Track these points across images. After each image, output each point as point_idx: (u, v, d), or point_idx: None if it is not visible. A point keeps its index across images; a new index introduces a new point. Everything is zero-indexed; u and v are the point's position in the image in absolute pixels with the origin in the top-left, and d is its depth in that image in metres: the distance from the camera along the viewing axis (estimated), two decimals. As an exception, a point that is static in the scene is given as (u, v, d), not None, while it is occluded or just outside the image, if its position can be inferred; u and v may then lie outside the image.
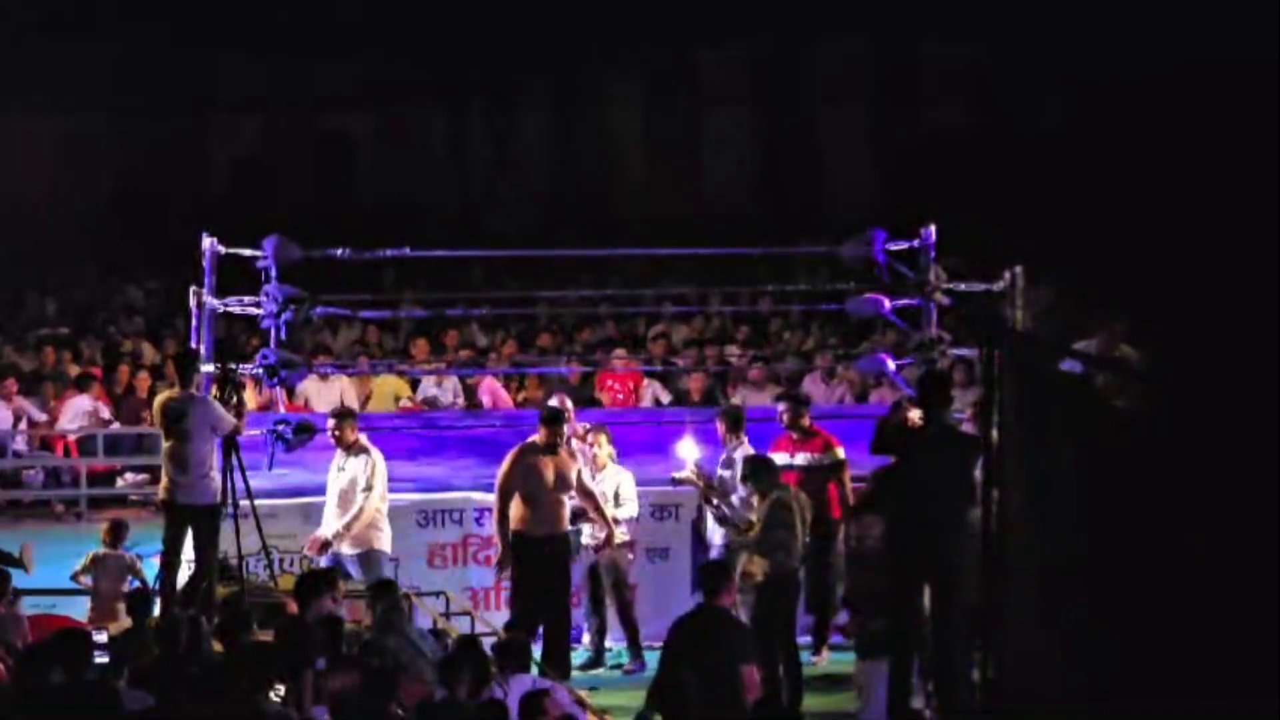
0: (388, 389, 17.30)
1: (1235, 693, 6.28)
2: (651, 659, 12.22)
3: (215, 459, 11.54)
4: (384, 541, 12.23)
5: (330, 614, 10.17)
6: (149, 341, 21.05)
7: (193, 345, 12.87)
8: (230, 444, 11.61)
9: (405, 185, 29.96)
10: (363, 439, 12.37)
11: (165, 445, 11.59)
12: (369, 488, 12.13)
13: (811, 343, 20.17)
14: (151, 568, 12.13)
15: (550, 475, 11.92)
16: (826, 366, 17.82)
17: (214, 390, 12.04)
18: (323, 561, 12.08)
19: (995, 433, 7.98)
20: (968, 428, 11.46)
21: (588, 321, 20.29)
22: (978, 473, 9.18)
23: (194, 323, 13.03)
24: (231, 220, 15.54)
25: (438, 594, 12.28)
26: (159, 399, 11.92)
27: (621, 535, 12.38)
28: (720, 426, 12.65)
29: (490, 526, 12.65)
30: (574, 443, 12.50)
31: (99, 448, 17.87)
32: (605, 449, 12.61)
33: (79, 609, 12.23)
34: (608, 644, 12.68)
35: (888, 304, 13.65)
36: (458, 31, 28.52)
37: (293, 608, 10.41)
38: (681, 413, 15.99)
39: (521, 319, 20.46)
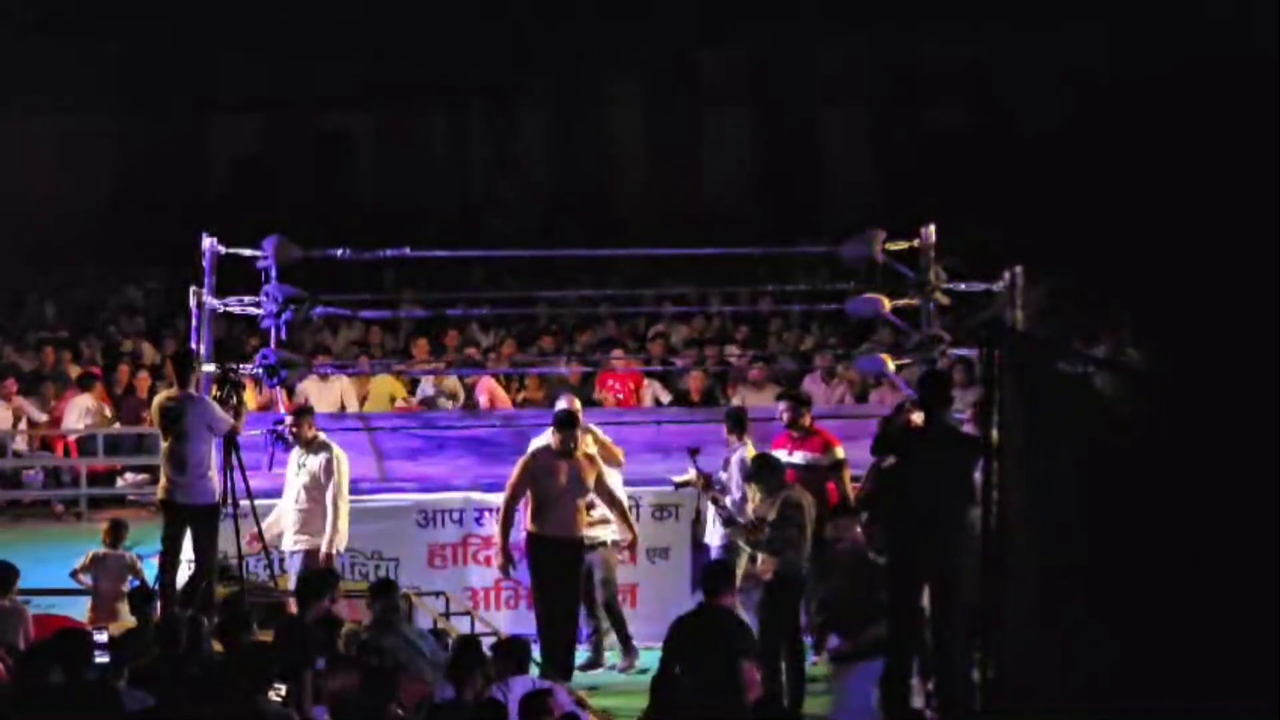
0: (384, 389, 17.29)
1: (1235, 693, 6.28)
2: (651, 658, 12.25)
3: (214, 459, 11.53)
4: (339, 541, 12.18)
5: (330, 614, 10.19)
6: (149, 341, 21.04)
7: (192, 345, 12.86)
8: (230, 444, 11.61)
9: (405, 185, 29.96)
10: (322, 435, 12.33)
11: (163, 445, 11.59)
12: (339, 485, 12.11)
13: (811, 343, 20.16)
14: (151, 568, 12.13)
15: (563, 478, 11.92)
16: (826, 366, 17.82)
17: (214, 390, 12.04)
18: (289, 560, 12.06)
19: (995, 433, 7.99)
20: (968, 428, 11.45)
21: (588, 321, 20.28)
22: (978, 473, 9.19)
23: (194, 323, 13.02)
24: (231, 220, 15.54)
25: (438, 594, 12.28)
26: (157, 399, 11.92)
27: (611, 534, 12.37)
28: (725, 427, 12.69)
29: (490, 526, 12.68)
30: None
31: (99, 448, 17.87)
32: (592, 449, 12.55)
33: (79, 609, 12.23)
34: (608, 643, 12.68)
35: (887, 304, 13.65)
36: (458, 31, 28.52)
37: (293, 608, 10.42)
38: (681, 413, 16.03)
39: (521, 319, 20.46)
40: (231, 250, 13.18)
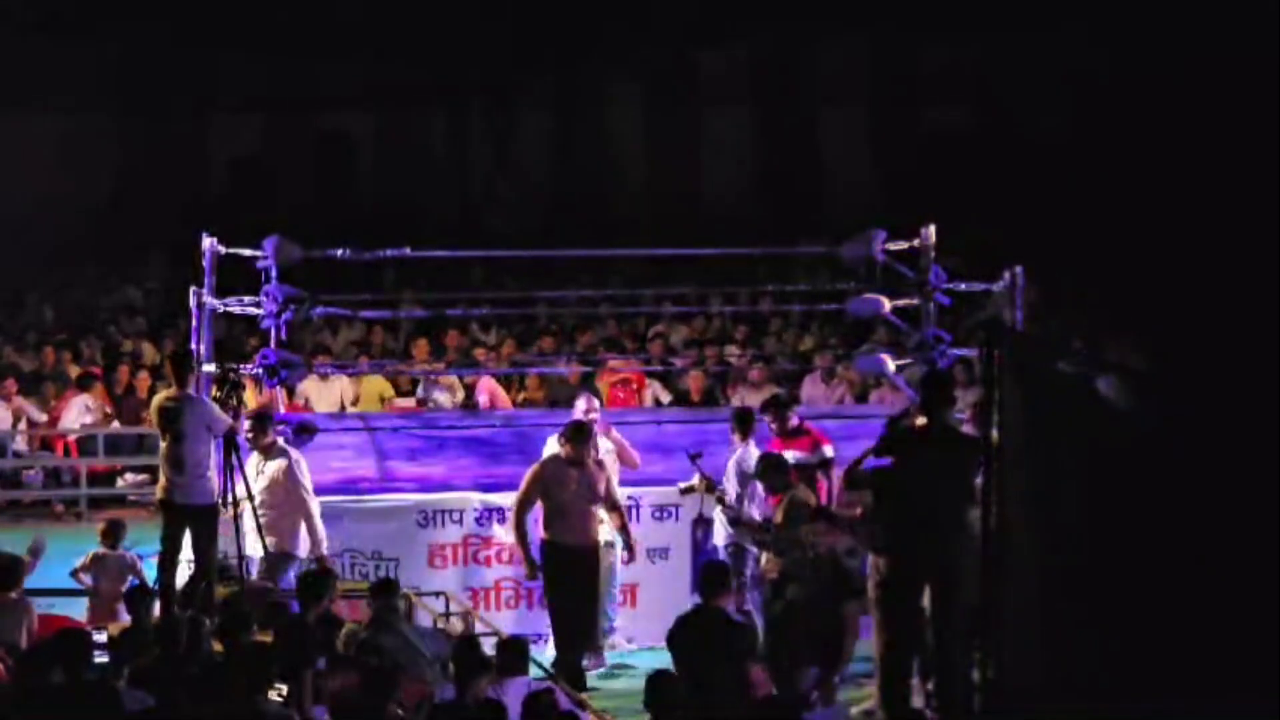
0: (374, 389, 17.30)
1: (1236, 692, 6.29)
2: (644, 658, 12.26)
3: (212, 459, 11.52)
4: (299, 546, 12.13)
5: (330, 614, 10.19)
6: (149, 341, 21.05)
7: (192, 345, 12.85)
8: (230, 444, 11.61)
9: (405, 185, 29.98)
10: (280, 441, 12.29)
11: (162, 446, 11.59)
12: (306, 489, 12.08)
13: (811, 343, 20.16)
14: (152, 568, 12.13)
15: (574, 486, 11.92)
16: (826, 366, 17.82)
17: (214, 390, 12.03)
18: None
19: (995, 433, 7.98)
20: (967, 428, 11.45)
21: (588, 321, 20.28)
22: (979, 473, 9.18)
23: (194, 323, 13.02)
24: (231, 220, 15.54)
25: (438, 594, 12.28)
26: (156, 400, 11.91)
27: (604, 535, 12.37)
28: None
29: (490, 527, 12.71)
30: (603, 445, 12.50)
31: (99, 448, 17.87)
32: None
33: (79, 609, 12.23)
34: (611, 642, 12.69)
35: (887, 304, 13.65)
36: (458, 31, 28.53)
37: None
38: (681, 413, 16.03)
39: (521, 319, 20.46)
40: (231, 250, 13.17)
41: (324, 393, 17.10)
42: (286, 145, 30.37)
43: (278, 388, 13.65)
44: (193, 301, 12.99)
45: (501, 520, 12.84)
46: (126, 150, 29.77)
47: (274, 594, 11.48)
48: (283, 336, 13.09)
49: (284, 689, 8.95)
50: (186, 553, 11.63)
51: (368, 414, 15.76)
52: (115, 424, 18.10)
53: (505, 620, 12.49)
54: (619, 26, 28.82)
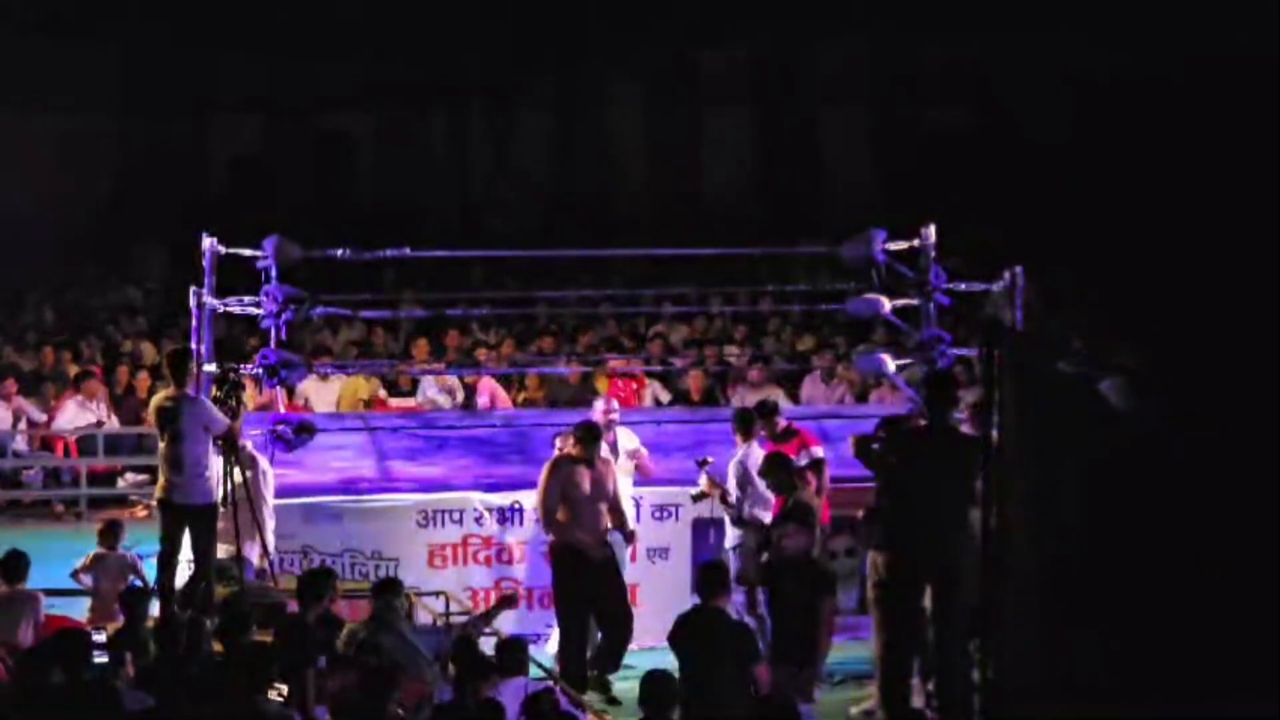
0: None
1: (1236, 693, 6.28)
2: (644, 658, 12.23)
3: (211, 459, 11.52)
4: (254, 551, 12.07)
5: (330, 613, 10.18)
6: (149, 341, 21.05)
7: (191, 345, 12.84)
8: (230, 444, 11.60)
9: (405, 185, 29.98)
10: (249, 446, 12.27)
11: (160, 446, 11.59)
12: (266, 500, 12.07)
13: (811, 343, 20.16)
14: (152, 568, 12.13)
15: (587, 485, 11.91)
16: (826, 366, 17.82)
17: (213, 390, 12.03)
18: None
19: (995, 433, 7.97)
20: (965, 428, 11.45)
21: (588, 321, 20.28)
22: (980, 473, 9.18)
23: (194, 323, 13.01)
24: (231, 220, 15.54)
25: (438, 594, 12.28)
26: (154, 400, 11.90)
27: None
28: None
29: (490, 527, 12.72)
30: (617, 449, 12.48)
31: (99, 448, 17.87)
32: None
33: (79, 609, 12.23)
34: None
35: (887, 304, 13.64)
36: (458, 31, 28.53)
37: (293, 607, 10.42)
38: (681, 413, 16.02)
39: (521, 319, 20.45)
40: (231, 250, 13.17)
41: (323, 393, 17.10)
42: (286, 145, 30.37)
43: (278, 388, 13.65)
44: (193, 301, 12.98)
45: (502, 520, 12.85)
46: (126, 150, 29.77)
47: (273, 594, 11.49)
48: (283, 336, 13.09)
49: (284, 689, 8.96)
50: (186, 552, 11.64)
51: (368, 414, 15.76)
52: (112, 422, 18.08)
53: (505, 620, 12.48)
54: (619, 26, 28.82)
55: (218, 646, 9.62)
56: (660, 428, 14.07)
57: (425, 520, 12.85)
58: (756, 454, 12.20)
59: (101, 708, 8.31)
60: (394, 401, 17.36)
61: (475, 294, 20.10)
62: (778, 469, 11.65)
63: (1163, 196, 21.88)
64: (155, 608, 10.94)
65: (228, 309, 13.40)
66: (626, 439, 12.81)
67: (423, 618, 11.57)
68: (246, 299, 13.25)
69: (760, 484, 11.98)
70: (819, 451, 12.53)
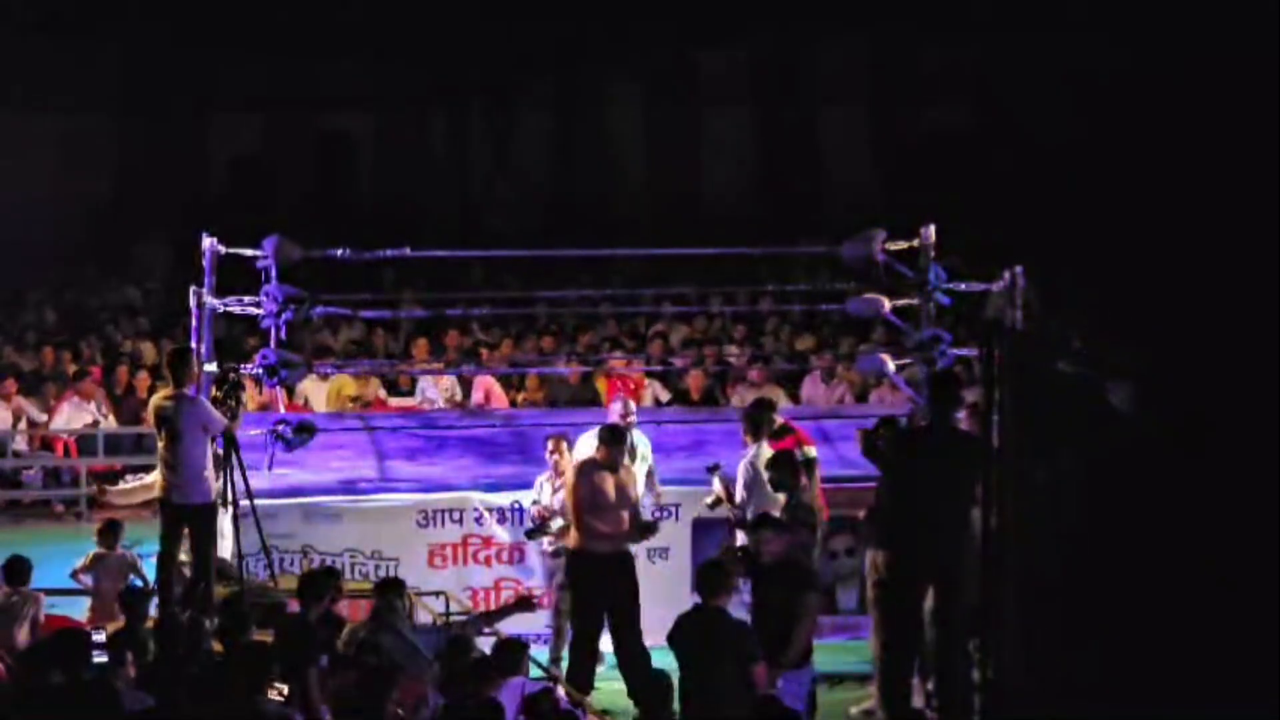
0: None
1: (1236, 694, 6.29)
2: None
3: (210, 458, 11.52)
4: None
5: (331, 613, 10.19)
6: (149, 341, 21.05)
7: (191, 345, 12.85)
8: (230, 443, 11.61)
9: (405, 185, 29.96)
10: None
11: (159, 446, 11.60)
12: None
13: (811, 342, 20.17)
14: (153, 567, 12.14)
15: (611, 491, 11.84)
16: (826, 366, 17.82)
17: (213, 390, 12.03)
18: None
19: (995, 433, 7.98)
20: (964, 428, 11.44)
21: (588, 321, 20.28)
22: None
23: (194, 323, 13.02)
24: (231, 220, 15.54)
25: (438, 594, 12.28)
26: (152, 400, 11.92)
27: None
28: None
29: (489, 527, 12.71)
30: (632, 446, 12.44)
31: (99, 447, 17.87)
32: (566, 457, 12.51)
33: (79, 609, 12.24)
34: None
35: (887, 304, 13.64)
36: (458, 31, 28.52)
37: (293, 607, 10.41)
38: (681, 413, 16.03)
39: (521, 319, 20.45)
40: (231, 250, 13.18)
41: (323, 393, 17.11)
42: (286, 145, 30.35)
43: (278, 388, 13.66)
44: (193, 301, 12.99)
45: (502, 520, 12.85)
46: (126, 150, 29.75)
47: (273, 594, 11.50)
48: (283, 336, 13.10)
49: (284, 689, 8.96)
50: (185, 552, 11.65)
51: (367, 414, 15.77)
52: (109, 422, 18.08)
53: (505, 620, 12.48)
54: (619, 26, 28.80)
55: (218, 646, 9.62)
56: (660, 428, 14.06)
57: (425, 520, 12.85)
58: (766, 454, 12.17)
59: (101, 708, 8.31)
60: (394, 401, 17.36)
61: (475, 294, 20.08)
62: (779, 467, 11.64)
63: (1163, 196, 21.87)
64: (155, 607, 10.95)
65: (228, 309, 13.41)
66: (641, 442, 12.72)
67: (423, 618, 11.57)
68: (246, 299, 13.26)
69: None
70: (813, 451, 12.51)
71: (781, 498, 11.67)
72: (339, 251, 13.70)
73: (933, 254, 13.59)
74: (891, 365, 13.91)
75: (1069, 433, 7.46)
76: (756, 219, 27.59)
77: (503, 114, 30.98)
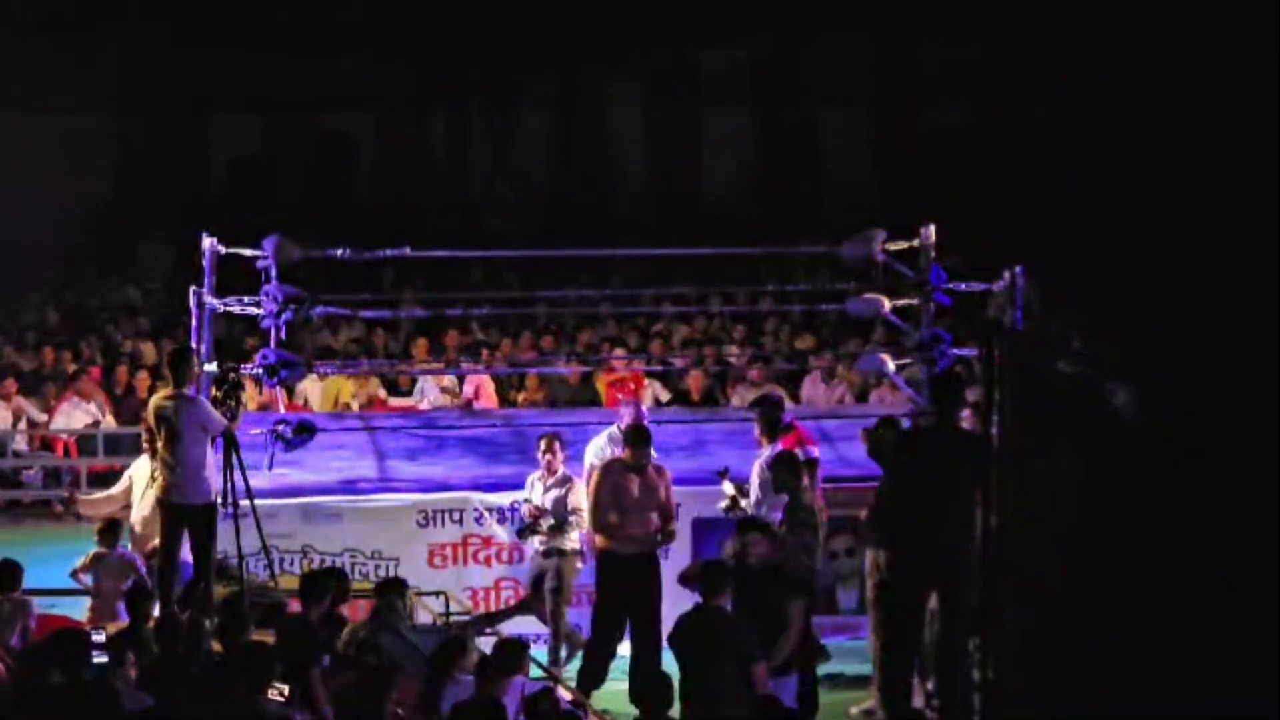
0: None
1: (1236, 694, 6.29)
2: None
3: (210, 458, 11.52)
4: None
5: (333, 613, 10.19)
6: (149, 341, 21.05)
7: (191, 345, 12.85)
8: (230, 443, 11.60)
9: (405, 185, 29.95)
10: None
11: (159, 446, 11.60)
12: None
13: (810, 342, 20.16)
14: (152, 567, 12.13)
15: (636, 492, 11.84)
16: (826, 366, 17.82)
17: (213, 390, 12.03)
18: None
19: (995, 433, 7.98)
20: (967, 427, 11.44)
21: (588, 321, 20.28)
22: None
23: (194, 323, 13.02)
24: (231, 220, 15.54)
25: (438, 594, 12.28)
26: (152, 400, 11.91)
27: (571, 544, 12.31)
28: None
29: (489, 527, 12.70)
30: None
31: (99, 447, 17.87)
32: (558, 456, 12.49)
33: (79, 609, 12.23)
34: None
35: (887, 304, 13.64)
36: (458, 31, 28.51)
37: (294, 607, 10.41)
38: (681, 413, 16.02)
39: (521, 319, 20.45)
40: (231, 250, 13.18)
41: (324, 393, 17.12)
42: (286, 145, 30.35)
43: (278, 388, 13.66)
44: (193, 301, 13.00)
45: (502, 520, 12.85)
46: (126, 150, 29.75)
47: (273, 594, 11.50)
48: (283, 336, 13.10)
49: (284, 689, 8.96)
50: (186, 553, 11.65)
51: (368, 414, 15.77)
52: (108, 421, 18.08)
53: (506, 621, 12.50)
54: (619, 26, 28.79)
55: (218, 646, 9.62)
56: (660, 428, 14.05)
57: (425, 520, 12.86)
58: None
59: (101, 708, 8.31)
60: (394, 401, 17.37)
61: (475, 294, 20.08)
62: (780, 467, 11.63)
63: (1163, 196, 21.87)
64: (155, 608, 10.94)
65: (228, 309, 13.41)
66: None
67: (423, 618, 11.58)
68: (246, 299, 13.26)
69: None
70: (814, 451, 12.51)
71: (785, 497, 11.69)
72: (339, 251, 13.70)
73: (933, 254, 13.59)
74: (891, 365, 13.91)
75: (1069, 433, 7.46)
76: (756, 219, 27.58)
77: (503, 114, 30.97)
